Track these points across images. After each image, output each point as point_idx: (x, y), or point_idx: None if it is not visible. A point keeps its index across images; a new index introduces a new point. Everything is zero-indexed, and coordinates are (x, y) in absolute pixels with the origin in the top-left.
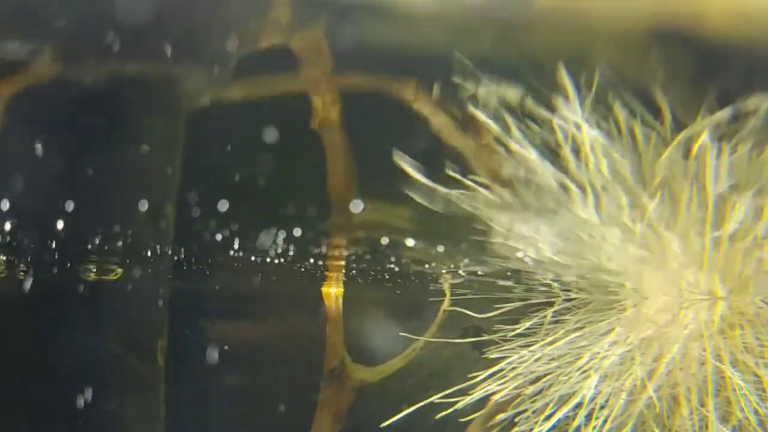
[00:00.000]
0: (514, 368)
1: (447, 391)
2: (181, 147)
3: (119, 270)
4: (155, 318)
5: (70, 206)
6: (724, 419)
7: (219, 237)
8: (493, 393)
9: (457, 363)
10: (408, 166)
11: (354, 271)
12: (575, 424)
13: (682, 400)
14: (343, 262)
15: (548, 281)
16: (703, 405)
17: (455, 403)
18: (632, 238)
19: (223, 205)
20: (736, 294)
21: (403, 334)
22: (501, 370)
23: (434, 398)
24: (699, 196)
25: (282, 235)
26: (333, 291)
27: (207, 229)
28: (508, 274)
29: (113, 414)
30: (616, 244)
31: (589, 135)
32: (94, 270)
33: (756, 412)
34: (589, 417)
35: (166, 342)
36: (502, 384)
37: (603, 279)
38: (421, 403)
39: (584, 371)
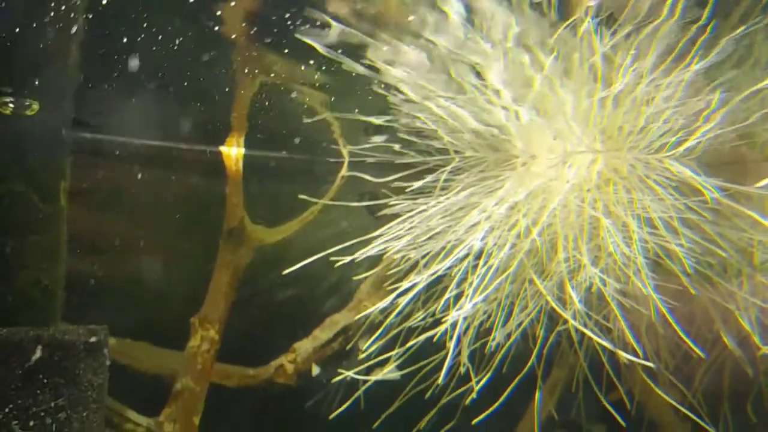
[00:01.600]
0: (407, 227)
1: (341, 247)
2: None
3: (35, 106)
4: (59, 159)
5: None
6: (595, 262)
7: (122, 85)
8: (386, 250)
9: (353, 226)
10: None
11: (255, 132)
12: (460, 270)
13: (560, 246)
14: (245, 122)
15: (445, 141)
16: (577, 250)
17: (350, 261)
18: (524, 98)
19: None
20: (614, 151)
21: (302, 196)
22: (394, 229)
23: (329, 252)
24: (588, 59)
25: (183, 92)
26: (233, 152)
27: (112, 74)
28: (407, 135)
29: (13, 251)
30: (509, 105)
31: None
32: (12, 104)
33: (623, 254)
34: (475, 265)
35: (68, 183)
36: (394, 241)
37: (496, 139)
38: (316, 257)
39: (474, 225)
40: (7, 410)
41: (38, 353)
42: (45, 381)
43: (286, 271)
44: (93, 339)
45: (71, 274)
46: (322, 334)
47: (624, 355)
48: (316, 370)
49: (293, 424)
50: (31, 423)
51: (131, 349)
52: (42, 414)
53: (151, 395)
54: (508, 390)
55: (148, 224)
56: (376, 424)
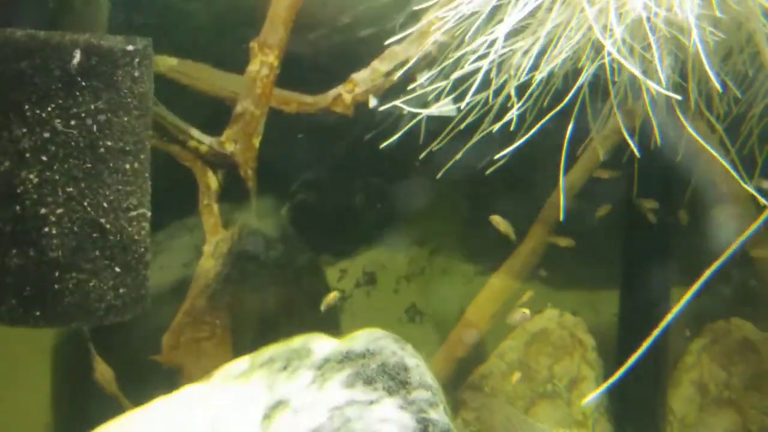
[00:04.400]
0: None
1: None
2: None
3: None
4: None
5: None
6: None
7: None
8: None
9: None
10: None
11: None
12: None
13: None
14: None
15: None
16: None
17: None
18: None
19: None
20: None
21: None
22: None
23: None
24: None
25: None
26: None
27: None
28: None
29: None
30: None
31: None
32: None
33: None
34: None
35: None
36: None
37: None
38: None
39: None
40: (49, 109)
41: (77, 57)
42: (83, 84)
43: None
44: (130, 47)
45: None
46: (381, 65)
47: (653, 86)
48: (373, 102)
49: (349, 150)
50: (73, 122)
51: (192, 70)
52: (83, 115)
53: (213, 116)
54: (545, 118)
55: None
56: (422, 156)
